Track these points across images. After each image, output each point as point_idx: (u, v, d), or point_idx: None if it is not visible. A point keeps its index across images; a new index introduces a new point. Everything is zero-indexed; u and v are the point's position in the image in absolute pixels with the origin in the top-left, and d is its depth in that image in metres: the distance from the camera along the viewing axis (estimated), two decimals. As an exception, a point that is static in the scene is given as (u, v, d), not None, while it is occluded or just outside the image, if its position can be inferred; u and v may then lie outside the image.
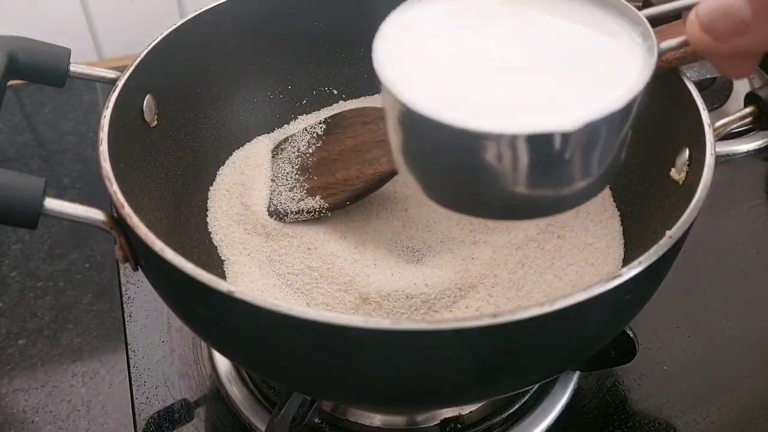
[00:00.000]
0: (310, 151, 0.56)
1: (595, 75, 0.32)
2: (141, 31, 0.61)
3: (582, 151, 0.31)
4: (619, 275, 0.33)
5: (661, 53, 0.33)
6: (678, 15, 0.37)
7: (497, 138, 0.30)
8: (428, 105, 0.30)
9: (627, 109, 0.30)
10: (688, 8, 0.33)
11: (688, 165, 0.43)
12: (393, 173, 0.51)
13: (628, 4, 0.35)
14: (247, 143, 0.60)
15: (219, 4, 0.53)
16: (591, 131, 0.30)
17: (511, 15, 0.36)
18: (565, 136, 0.29)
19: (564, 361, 0.40)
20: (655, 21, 0.35)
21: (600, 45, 0.34)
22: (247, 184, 0.56)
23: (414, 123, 0.32)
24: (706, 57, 0.33)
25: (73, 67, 0.46)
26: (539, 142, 0.30)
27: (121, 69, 0.46)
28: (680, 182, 0.44)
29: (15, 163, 0.72)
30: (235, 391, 0.51)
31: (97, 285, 0.60)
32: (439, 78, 0.33)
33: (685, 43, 0.33)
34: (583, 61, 0.33)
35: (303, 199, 0.54)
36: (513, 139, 0.30)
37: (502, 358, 0.35)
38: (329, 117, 0.57)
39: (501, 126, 0.29)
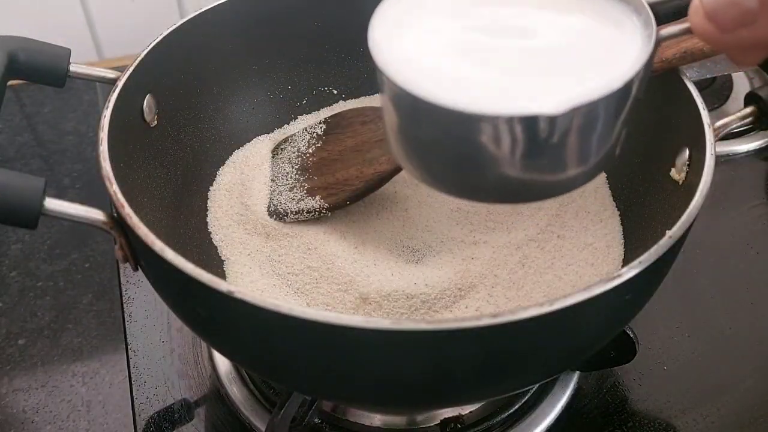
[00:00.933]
0: (310, 151, 0.56)
1: (591, 60, 0.32)
2: (141, 31, 0.61)
3: (570, 134, 0.31)
4: (619, 275, 0.33)
5: (662, 40, 0.33)
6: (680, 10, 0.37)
7: (480, 119, 0.30)
8: (418, 84, 0.30)
9: (617, 94, 0.30)
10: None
11: (688, 165, 0.43)
12: (393, 173, 0.51)
13: None
14: (247, 143, 0.60)
15: (219, 4, 0.53)
16: (578, 115, 0.30)
17: None
18: (551, 119, 0.29)
19: (564, 361, 0.40)
20: (660, 12, 0.35)
21: (599, 30, 0.34)
22: (247, 184, 0.56)
23: (403, 102, 0.32)
24: (709, 45, 0.32)
25: (73, 67, 0.46)
26: (523, 125, 0.30)
27: (121, 69, 0.46)
28: (680, 182, 0.44)
29: (15, 163, 0.72)
30: (235, 391, 0.51)
31: (97, 285, 0.60)
32: (433, 59, 0.33)
33: (687, 30, 0.32)
34: (581, 45, 0.33)
35: (303, 199, 0.54)
36: (496, 121, 0.30)
37: (502, 358, 0.35)
38: (329, 117, 0.57)
39: (485, 107, 0.29)
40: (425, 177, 0.35)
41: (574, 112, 0.29)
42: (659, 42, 0.32)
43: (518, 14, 0.35)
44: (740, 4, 0.28)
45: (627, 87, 0.30)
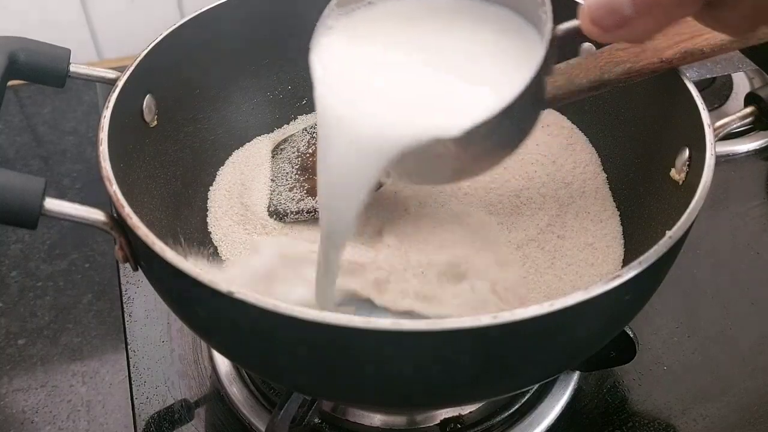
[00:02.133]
0: (310, 151, 0.56)
1: (494, 71, 0.37)
2: (141, 31, 0.61)
3: (481, 140, 0.35)
4: (619, 275, 0.33)
5: (556, 36, 0.36)
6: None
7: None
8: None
9: (519, 98, 0.33)
10: None
11: (688, 165, 0.43)
12: (393, 173, 0.51)
13: None
14: (247, 143, 0.60)
15: (219, 4, 0.53)
16: (484, 126, 0.33)
17: (420, 24, 0.39)
18: (456, 139, 0.34)
19: (564, 360, 0.40)
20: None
21: (501, 41, 0.38)
22: (247, 184, 0.56)
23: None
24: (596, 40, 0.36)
25: (73, 68, 0.46)
26: (432, 145, 0.34)
27: (121, 69, 0.46)
28: (680, 182, 0.44)
29: (15, 163, 0.72)
30: (235, 391, 0.51)
31: (97, 285, 0.60)
32: (360, 91, 0.37)
33: (578, 28, 0.36)
34: (487, 58, 0.37)
35: (303, 199, 0.54)
36: (435, 141, 0.34)
37: (502, 358, 0.34)
38: (329, 117, 0.57)
39: (398, 134, 0.34)
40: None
41: (477, 128, 0.33)
42: (555, 38, 0.35)
43: (427, 33, 0.39)
44: (618, 12, 0.32)
45: (528, 88, 0.33)
